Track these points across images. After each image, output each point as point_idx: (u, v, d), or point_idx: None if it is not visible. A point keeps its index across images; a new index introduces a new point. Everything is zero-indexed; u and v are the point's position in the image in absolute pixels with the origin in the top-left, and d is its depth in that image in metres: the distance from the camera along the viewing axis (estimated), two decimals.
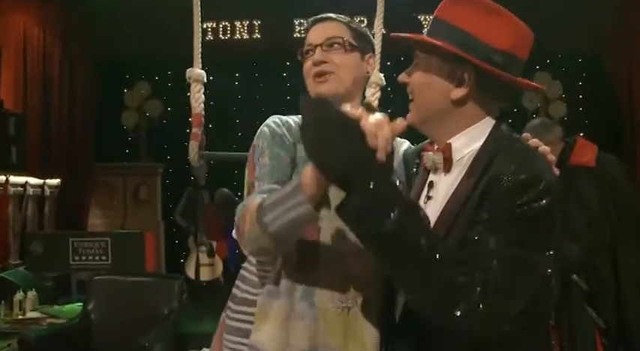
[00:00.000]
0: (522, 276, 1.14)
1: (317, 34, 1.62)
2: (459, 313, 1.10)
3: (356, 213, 1.14)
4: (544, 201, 1.16)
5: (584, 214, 3.01)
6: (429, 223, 1.20)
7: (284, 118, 1.60)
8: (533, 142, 1.40)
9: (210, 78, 2.39)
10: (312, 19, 1.66)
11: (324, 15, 1.65)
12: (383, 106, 2.27)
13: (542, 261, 1.16)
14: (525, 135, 1.43)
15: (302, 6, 6.97)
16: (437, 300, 1.13)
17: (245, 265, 1.61)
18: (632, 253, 3.05)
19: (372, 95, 2.05)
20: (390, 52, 2.45)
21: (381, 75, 2.12)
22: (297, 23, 7.16)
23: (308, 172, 1.23)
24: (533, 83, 1.40)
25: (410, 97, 1.39)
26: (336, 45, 1.60)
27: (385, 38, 2.33)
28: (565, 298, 3.01)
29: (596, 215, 3.04)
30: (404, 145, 1.69)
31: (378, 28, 2.18)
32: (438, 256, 1.12)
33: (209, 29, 7.18)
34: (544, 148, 1.37)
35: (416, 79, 1.35)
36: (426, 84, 1.33)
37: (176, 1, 6.65)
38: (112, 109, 7.64)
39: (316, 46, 1.60)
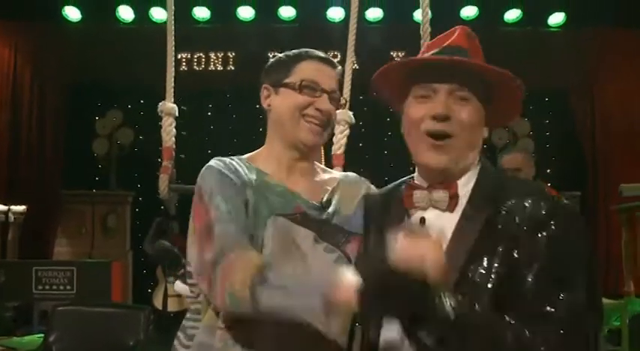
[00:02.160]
0: (582, 319, 1.13)
1: (327, 78, 1.54)
2: None
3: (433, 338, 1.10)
4: (571, 230, 1.16)
5: None
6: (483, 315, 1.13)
7: (226, 160, 1.52)
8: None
9: (183, 108, 2.41)
10: (314, 52, 1.55)
11: (331, 58, 1.57)
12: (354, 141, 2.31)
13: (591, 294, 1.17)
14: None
15: (276, 39, 7.07)
16: None
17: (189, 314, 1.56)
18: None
19: (341, 133, 2.07)
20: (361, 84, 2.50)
21: (350, 113, 2.14)
22: (271, 56, 7.22)
23: (344, 294, 1.12)
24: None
25: (442, 133, 1.24)
26: (335, 99, 1.55)
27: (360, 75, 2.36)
28: None
29: None
30: (362, 186, 1.61)
31: (349, 65, 2.21)
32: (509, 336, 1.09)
33: (183, 60, 7.21)
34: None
35: (468, 115, 1.23)
36: (476, 124, 1.25)
37: (150, 30, 6.73)
38: (83, 135, 7.56)
39: (325, 91, 1.52)
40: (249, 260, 1.29)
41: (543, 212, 1.16)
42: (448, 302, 1.07)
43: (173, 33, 2.38)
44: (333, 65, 1.57)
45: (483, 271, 1.16)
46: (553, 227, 1.14)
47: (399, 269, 1.05)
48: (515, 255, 1.15)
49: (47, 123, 6.84)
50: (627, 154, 7.05)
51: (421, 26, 2.16)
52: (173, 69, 2.32)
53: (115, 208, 7.37)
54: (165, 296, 6.28)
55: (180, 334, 1.55)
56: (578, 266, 1.15)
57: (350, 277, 1.14)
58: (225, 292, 1.28)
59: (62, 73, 7.11)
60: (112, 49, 7.03)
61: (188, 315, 1.55)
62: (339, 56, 6.27)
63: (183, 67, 7.18)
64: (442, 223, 1.26)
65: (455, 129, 1.22)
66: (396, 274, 1.04)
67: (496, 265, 1.16)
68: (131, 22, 7.24)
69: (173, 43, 2.37)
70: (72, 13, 7.11)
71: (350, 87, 2.17)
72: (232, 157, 1.53)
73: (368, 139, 6.69)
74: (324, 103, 1.51)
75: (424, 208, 1.30)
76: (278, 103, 1.54)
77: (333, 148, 2.11)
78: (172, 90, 2.31)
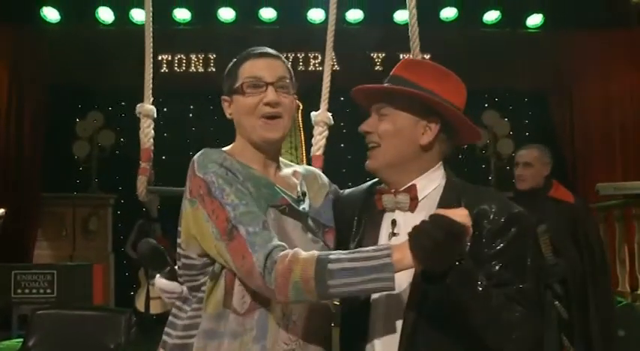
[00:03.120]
0: (537, 302, 1.41)
1: (268, 70, 1.53)
2: (514, 336, 1.35)
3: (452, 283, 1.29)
4: (526, 234, 1.44)
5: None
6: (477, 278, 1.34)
7: (220, 153, 1.52)
8: None
9: (164, 109, 2.40)
10: (253, 51, 1.56)
11: (269, 50, 1.56)
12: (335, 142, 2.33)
13: (540, 283, 1.47)
14: None
15: (257, 41, 7.06)
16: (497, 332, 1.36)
17: (175, 311, 1.56)
18: (600, 289, 3.23)
19: (320, 134, 2.08)
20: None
21: (329, 114, 2.15)
22: None
23: (403, 252, 1.26)
24: (479, 130, 1.58)
25: (371, 145, 1.50)
26: (284, 87, 1.54)
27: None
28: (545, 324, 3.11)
29: (567, 244, 3.22)
30: (319, 179, 1.68)
31: (328, 67, 2.21)
32: (493, 302, 1.34)
33: (164, 61, 7.19)
34: None
35: (385, 127, 1.48)
36: (395, 132, 1.48)
37: (130, 32, 6.69)
38: (63, 138, 7.50)
39: (268, 84, 1.51)
40: (299, 253, 1.34)
41: (504, 219, 1.40)
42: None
43: (151, 34, 2.37)
44: (272, 56, 1.56)
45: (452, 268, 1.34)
46: (513, 232, 1.40)
47: (445, 223, 1.24)
48: (476, 253, 1.37)
49: (26, 125, 6.77)
50: (605, 153, 7.16)
51: (409, 28, 2.17)
52: (152, 70, 2.32)
53: (97, 211, 7.32)
54: (148, 298, 6.24)
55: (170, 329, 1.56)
56: (528, 266, 1.42)
57: (400, 241, 1.31)
58: (288, 286, 1.31)
59: (41, 74, 7.04)
60: (92, 51, 6.98)
61: (175, 311, 1.56)
62: (319, 58, 6.31)
63: (164, 69, 7.16)
64: (410, 221, 1.39)
65: (376, 139, 1.49)
66: (443, 227, 1.23)
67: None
68: (111, 24, 7.19)
69: (151, 44, 2.36)
70: (50, 14, 7.06)
71: (329, 88, 2.17)
72: (204, 151, 1.52)
73: (349, 140, 6.72)
74: (270, 95, 1.50)
75: (392, 210, 1.50)
76: (235, 110, 1.56)
77: (312, 149, 2.12)
78: (151, 91, 2.31)
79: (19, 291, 4.75)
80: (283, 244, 1.39)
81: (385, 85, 1.51)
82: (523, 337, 1.36)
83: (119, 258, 7.29)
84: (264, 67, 1.53)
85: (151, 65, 2.33)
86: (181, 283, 1.54)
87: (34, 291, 4.75)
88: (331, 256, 1.32)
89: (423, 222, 1.24)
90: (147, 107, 2.30)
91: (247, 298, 1.45)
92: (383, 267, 1.26)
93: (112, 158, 7.63)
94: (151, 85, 2.28)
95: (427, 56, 7.39)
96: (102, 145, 7.63)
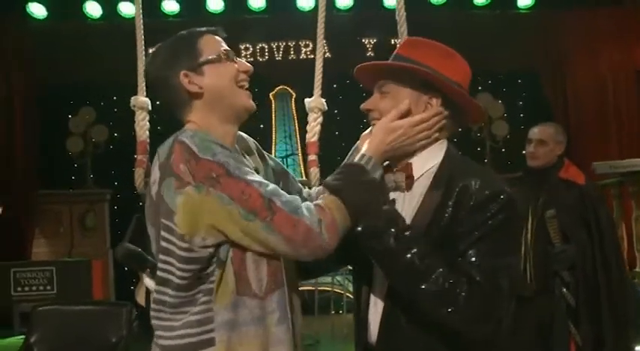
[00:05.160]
0: (499, 281, 1.36)
1: (226, 45, 1.56)
2: (448, 311, 1.34)
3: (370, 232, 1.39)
4: (506, 213, 1.39)
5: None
6: (420, 240, 1.39)
7: (207, 132, 1.47)
8: None
9: (158, 103, 2.39)
10: (203, 30, 1.56)
11: (219, 28, 1.59)
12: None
13: (513, 264, 1.43)
14: None
15: (246, 31, 7.04)
16: (429, 300, 1.35)
17: (157, 314, 1.50)
18: (613, 275, 3.15)
19: (315, 120, 2.08)
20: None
21: (323, 100, 2.14)
22: (242, 47, 7.21)
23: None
24: (481, 107, 1.56)
25: (373, 122, 1.52)
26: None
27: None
28: (552, 310, 3.12)
29: (577, 229, 3.15)
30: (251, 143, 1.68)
31: (320, 53, 2.21)
32: (428, 265, 1.35)
33: None
34: None
35: (385, 105, 1.49)
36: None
37: (119, 26, 6.65)
38: (57, 134, 7.46)
39: (235, 55, 1.56)
40: (319, 202, 1.42)
41: (484, 196, 1.38)
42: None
43: (142, 27, 2.36)
44: (219, 30, 1.59)
45: (433, 243, 1.40)
46: (492, 211, 1.37)
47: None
48: (457, 229, 1.38)
49: (18, 123, 6.74)
50: (600, 132, 7.17)
51: (397, 12, 2.18)
52: (144, 62, 2.31)
53: (93, 207, 7.30)
54: (148, 292, 6.26)
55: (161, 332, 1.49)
56: (506, 244, 1.41)
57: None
58: (337, 228, 1.38)
59: (32, 72, 7.00)
60: (82, 46, 6.94)
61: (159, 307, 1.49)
62: (310, 45, 6.28)
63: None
64: (407, 200, 1.49)
65: (377, 116, 1.51)
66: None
67: (443, 235, 1.40)
68: (99, 18, 7.15)
69: (142, 37, 2.35)
70: (37, 10, 7.01)
71: (322, 74, 2.17)
72: (191, 134, 1.45)
73: (342, 127, 6.72)
74: (245, 64, 1.54)
75: (394, 188, 1.50)
76: (210, 80, 1.50)
77: (307, 136, 2.12)
78: (144, 84, 2.30)
79: (19, 289, 4.76)
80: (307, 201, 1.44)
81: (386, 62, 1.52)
82: (463, 311, 1.33)
83: None
84: (220, 41, 1.55)
85: (144, 58, 2.32)
86: (167, 285, 1.45)
87: (34, 288, 4.77)
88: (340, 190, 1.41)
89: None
90: (141, 100, 2.30)
91: (264, 280, 1.43)
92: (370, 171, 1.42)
93: (106, 153, 7.61)
94: (144, 77, 2.27)
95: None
96: (95, 140, 7.60)
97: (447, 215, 1.40)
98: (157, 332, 1.49)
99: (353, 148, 1.65)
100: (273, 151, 8.00)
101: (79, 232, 7.19)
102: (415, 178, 1.48)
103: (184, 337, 1.42)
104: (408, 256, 1.35)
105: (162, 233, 1.43)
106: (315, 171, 2.11)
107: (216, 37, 1.55)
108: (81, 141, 7.57)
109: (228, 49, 1.54)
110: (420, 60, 1.48)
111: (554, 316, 3.12)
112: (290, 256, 1.42)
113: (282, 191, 1.42)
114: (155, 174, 1.45)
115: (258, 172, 1.53)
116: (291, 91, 7.74)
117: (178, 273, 1.42)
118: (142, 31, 2.36)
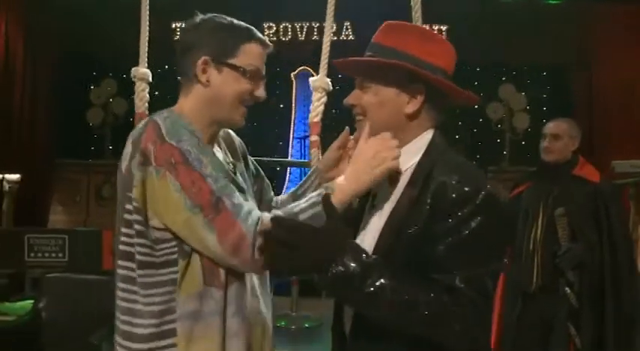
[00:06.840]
0: (483, 290, 1.27)
1: (263, 62, 1.52)
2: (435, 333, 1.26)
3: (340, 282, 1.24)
4: (484, 214, 1.28)
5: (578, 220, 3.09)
6: (387, 272, 1.25)
7: (182, 117, 1.45)
8: None
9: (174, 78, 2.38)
10: (254, 32, 1.52)
11: (266, 40, 1.54)
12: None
13: (492, 272, 1.31)
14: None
15: (274, 10, 6.99)
16: (419, 327, 1.26)
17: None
18: (621, 280, 3.10)
19: (318, 100, 2.06)
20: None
21: (328, 80, 2.12)
22: (266, 26, 7.18)
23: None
24: (471, 93, 1.47)
25: (357, 117, 1.46)
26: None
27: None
28: (555, 309, 3.09)
29: (587, 228, 3.10)
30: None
31: (328, 33, 2.19)
32: (408, 298, 1.24)
33: (178, 29, 7.15)
34: None
35: (368, 100, 1.42)
36: (379, 103, 1.41)
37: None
38: (78, 105, 7.55)
39: (262, 78, 1.51)
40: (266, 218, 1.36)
41: (460, 195, 1.29)
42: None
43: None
44: (269, 47, 1.53)
45: (407, 242, 1.32)
46: (465, 210, 1.27)
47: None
48: (433, 229, 1.29)
49: (40, 93, 6.82)
50: (624, 129, 7.02)
51: None
52: (147, 33, 2.31)
53: (110, 178, 7.38)
54: None
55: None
56: (481, 248, 1.29)
57: (378, 213, 1.42)
58: (273, 254, 1.30)
59: (56, 43, 7.06)
60: (105, 19, 6.97)
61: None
62: (334, 27, 6.22)
63: (178, 37, 7.12)
64: (386, 194, 1.42)
65: (361, 111, 1.44)
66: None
67: (417, 236, 1.31)
68: None
69: (147, 8, 2.35)
70: None
71: (328, 54, 2.15)
72: (166, 116, 1.44)
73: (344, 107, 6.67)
74: (262, 91, 1.50)
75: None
76: (220, 83, 1.47)
77: (310, 115, 2.09)
78: (146, 55, 2.30)
79: (32, 255, 4.81)
80: (264, 212, 1.38)
81: (365, 56, 1.43)
82: (449, 331, 1.24)
83: None
84: (262, 57, 1.51)
85: (147, 28, 2.32)
86: (131, 259, 1.43)
87: (47, 255, 4.82)
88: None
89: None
90: (142, 71, 2.30)
91: (223, 271, 1.41)
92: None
93: (125, 126, 7.67)
94: (147, 49, 2.28)
95: (444, 28, 7.30)
96: (116, 112, 7.66)
97: (422, 214, 1.31)
98: (123, 317, 1.45)
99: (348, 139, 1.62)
100: (291, 132, 7.99)
101: (94, 202, 7.30)
102: (403, 170, 1.41)
103: (147, 327, 1.41)
104: (387, 295, 1.23)
105: (126, 205, 1.42)
106: (315, 153, 2.08)
107: (261, 50, 1.50)
108: (101, 112, 7.65)
109: (260, 69, 1.49)
110: (399, 47, 1.40)
111: (556, 316, 3.08)
112: (220, 261, 1.39)
113: (237, 194, 1.37)
114: (127, 148, 1.43)
115: (235, 173, 1.52)
116: (313, 72, 7.69)
117: (138, 248, 1.41)
118: (147, 6, 2.36)
